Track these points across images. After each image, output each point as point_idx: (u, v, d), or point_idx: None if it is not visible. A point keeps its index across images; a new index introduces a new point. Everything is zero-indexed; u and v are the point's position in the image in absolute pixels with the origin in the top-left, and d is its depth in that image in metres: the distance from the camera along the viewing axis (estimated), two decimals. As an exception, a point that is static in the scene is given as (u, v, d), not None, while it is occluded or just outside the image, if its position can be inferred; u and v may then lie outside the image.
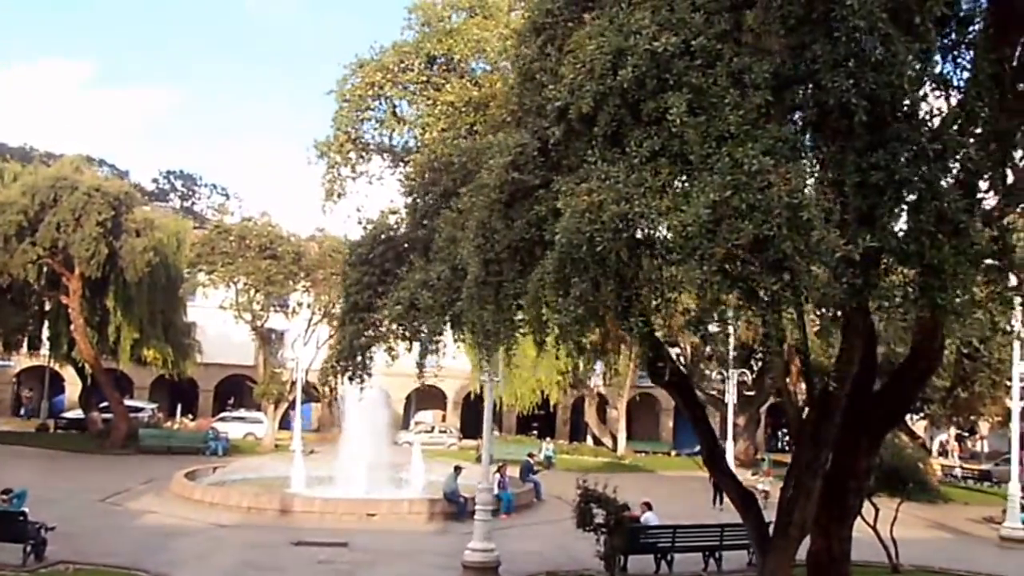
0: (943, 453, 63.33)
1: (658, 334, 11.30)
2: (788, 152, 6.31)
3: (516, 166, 7.39)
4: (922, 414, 34.47)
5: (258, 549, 18.61)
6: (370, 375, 12.01)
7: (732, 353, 38.18)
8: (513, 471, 29.40)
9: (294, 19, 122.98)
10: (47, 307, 36.83)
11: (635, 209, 6.24)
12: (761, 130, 6.29)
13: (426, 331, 8.98)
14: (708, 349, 40.53)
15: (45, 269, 33.09)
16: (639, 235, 6.52)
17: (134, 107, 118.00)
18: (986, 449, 56.21)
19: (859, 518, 18.32)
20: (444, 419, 57.45)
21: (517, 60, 8.32)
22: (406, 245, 10.33)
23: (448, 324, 8.76)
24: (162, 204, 67.83)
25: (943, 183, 6.78)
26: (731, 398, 39.31)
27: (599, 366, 50.58)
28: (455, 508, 23.93)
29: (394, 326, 9.25)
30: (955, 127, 6.81)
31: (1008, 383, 25.27)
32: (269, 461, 29.84)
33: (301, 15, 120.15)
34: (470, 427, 57.40)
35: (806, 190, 6.13)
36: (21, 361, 44.65)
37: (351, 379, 11.20)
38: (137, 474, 28.22)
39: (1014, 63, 8.03)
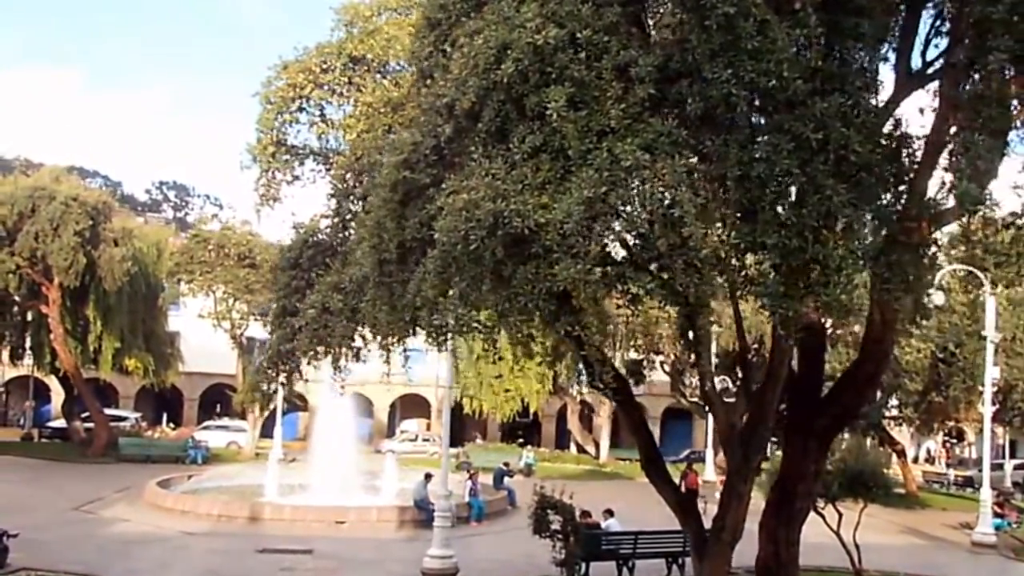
0: (930, 460, 63.36)
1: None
2: (668, 147, 6.31)
3: (408, 165, 7.41)
4: (896, 419, 34.43)
5: (222, 556, 18.61)
6: (303, 380, 11.99)
7: (715, 360, 38.21)
8: (488, 478, 29.42)
9: (286, 25, 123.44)
10: (29, 317, 36.80)
11: (510, 207, 6.25)
12: (644, 124, 6.30)
13: (337, 335, 8.99)
14: (691, 356, 40.64)
15: (25, 279, 33.07)
16: (516, 233, 6.50)
17: (125, 113, 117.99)
18: (973, 455, 56.16)
19: (823, 523, 18.65)
20: (428, 427, 57.38)
21: (412, 57, 8.34)
22: (331, 249, 10.38)
23: (359, 328, 8.78)
24: (155, 215, 67.91)
25: (828, 176, 6.76)
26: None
27: (583, 373, 50.61)
28: (424, 515, 23.88)
29: (307, 330, 9.25)
30: (841, 118, 6.76)
31: (983, 388, 25.31)
32: (245, 469, 29.84)
33: (294, 21, 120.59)
34: (455, 436, 57.42)
35: (680, 186, 6.13)
36: (7, 371, 44.61)
37: (282, 384, 11.20)
38: (114, 483, 28.15)
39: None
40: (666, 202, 5.95)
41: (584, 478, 40.34)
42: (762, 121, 6.84)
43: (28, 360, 38.88)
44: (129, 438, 37.15)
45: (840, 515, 18.64)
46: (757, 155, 6.55)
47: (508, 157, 6.67)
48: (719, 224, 6.40)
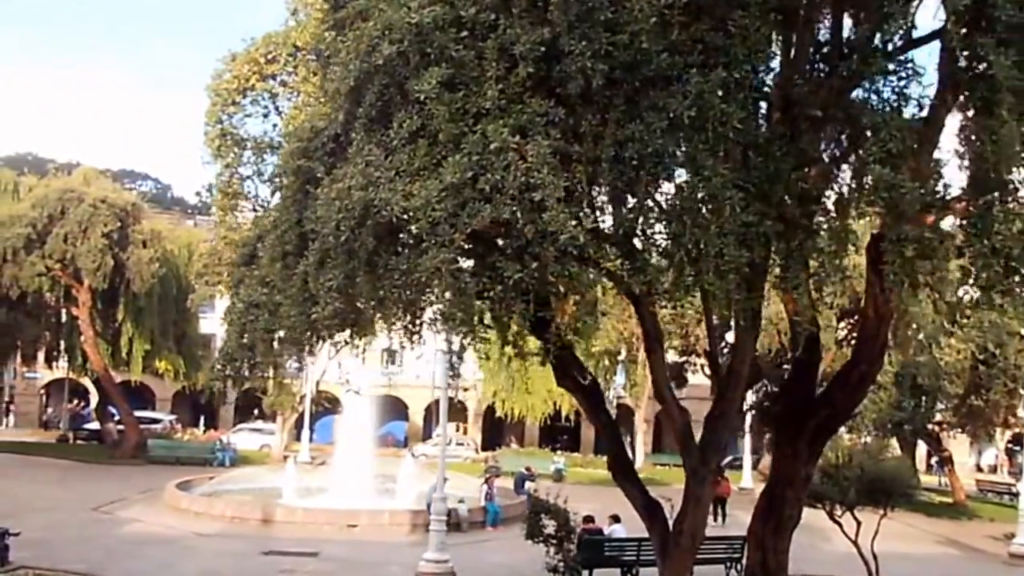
0: (993, 469, 60.84)
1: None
2: (543, 128, 5.91)
3: (306, 153, 7.13)
4: (938, 424, 33.04)
5: (226, 558, 18.60)
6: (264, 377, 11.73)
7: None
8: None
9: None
10: (63, 319, 37.60)
11: (380, 195, 5.91)
12: (521, 105, 5.91)
13: (259, 331, 8.74)
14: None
15: (56, 281, 33.78)
16: (386, 222, 6.14)
17: (175, 116, 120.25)
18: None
19: (841, 532, 17.83)
20: (465, 431, 57.23)
21: (314, 41, 8.07)
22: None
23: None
24: (205, 218, 69.06)
25: (709, 156, 6.24)
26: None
27: (620, 376, 50.03)
28: (439, 519, 23.68)
29: (236, 325, 8.99)
30: (721, 94, 6.20)
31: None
32: (266, 472, 29.90)
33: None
34: (492, 440, 57.13)
35: (543, 168, 5.71)
36: (46, 374, 45.77)
37: (237, 382, 11.02)
38: (138, 484, 28.50)
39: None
40: (525, 184, 5.54)
41: (613, 484, 39.78)
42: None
43: (64, 362, 39.81)
44: (158, 440, 37.66)
45: (859, 524, 17.83)
46: (630, 134, 6.08)
47: (386, 143, 6.35)
48: (591, 209, 5.94)
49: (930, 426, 35.74)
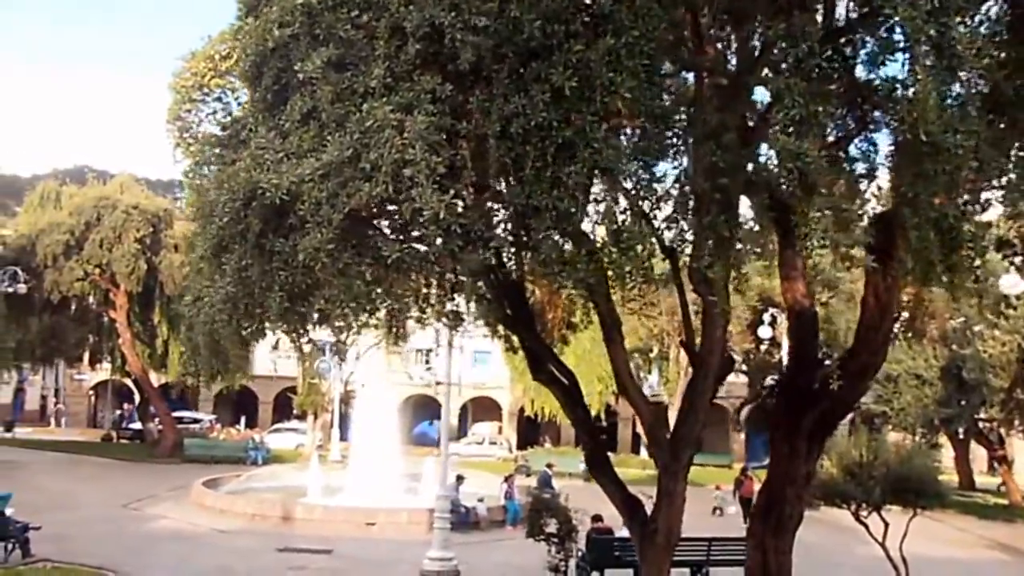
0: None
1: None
2: (429, 105, 5.63)
3: (220, 142, 6.97)
4: (988, 421, 31.68)
5: (240, 554, 18.70)
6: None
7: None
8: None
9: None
10: (104, 323, 38.62)
11: (267, 177, 5.70)
12: (411, 83, 5.65)
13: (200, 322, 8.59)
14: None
15: (96, 286, 34.81)
16: (271, 204, 5.90)
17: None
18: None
19: (868, 533, 17.08)
20: (500, 431, 57.04)
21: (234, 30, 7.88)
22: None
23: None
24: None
25: (599, 128, 5.82)
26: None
27: (654, 374, 49.35)
28: (456, 518, 23.45)
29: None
30: (611, 62, 5.74)
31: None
32: (294, 470, 30.08)
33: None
34: (527, 439, 56.84)
35: (414, 145, 5.41)
36: (96, 375, 47.08)
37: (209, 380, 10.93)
38: (172, 482, 28.99)
39: None
40: (397, 161, 5.27)
41: (646, 483, 39.17)
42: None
43: (107, 364, 40.96)
44: (195, 439, 38.31)
45: (886, 525, 17.07)
46: (515, 109, 5.74)
47: (280, 127, 6.17)
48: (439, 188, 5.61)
49: (982, 424, 34.40)
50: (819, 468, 17.61)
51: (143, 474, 31.26)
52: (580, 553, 16.40)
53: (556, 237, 6.07)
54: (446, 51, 5.76)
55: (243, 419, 51.34)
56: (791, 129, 5.73)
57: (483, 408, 56.16)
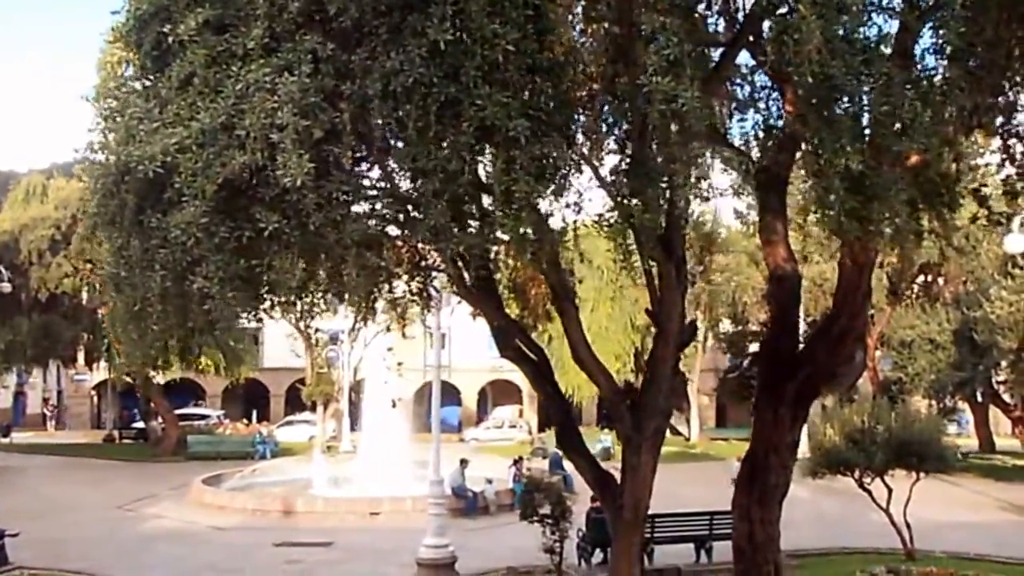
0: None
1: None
2: (309, 66, 5.17)
3: (111, 115, 6.51)
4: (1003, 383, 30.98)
5: (236, 550, 18.45)
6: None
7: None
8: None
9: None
10: (99, 319, 38.08)
11: (142, 149, 5.26)
12: (292, 43, 5.19)
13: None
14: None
15: (87, 282, 34.12)
16: (145, 177, 5.46)
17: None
18: None
19: (871, 500, 16.60)
20: (521, 414, 56.68)
21: None
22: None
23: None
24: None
25: (484, 83, 5.31)
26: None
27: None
28: (463, 503, 23.21)
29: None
30: (490, 13, 5.31)
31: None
32: (299, 464, 29.82)
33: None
34: (546, 421, 56.44)
35: (283, 108, 4.95)
36: (97, 375, 46.84)
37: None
38: (173, 480, 28.82)
39: None
40: (266, 126, 4.83)
41: (669, 459, 38.63)
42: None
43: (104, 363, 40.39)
44: (199, 436, 38.12)
45: (890, 491, 16.59)
46: (394, 66, 5.30)
47: (158, 94, 5.73)
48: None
49: (998, 385, 33.73)
50: (823, 436, 17.31)
51: (144, 474, 31.09)
52: (581, 533, 16.05)
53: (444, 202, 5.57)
54: (328, 9, 5.29)
55: (254, 413, 51.25)
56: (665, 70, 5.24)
57: (503, 392, 55.74)
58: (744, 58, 7.25)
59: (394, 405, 39.00)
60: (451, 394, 59.25)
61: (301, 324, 37.55)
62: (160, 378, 41.95)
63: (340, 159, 5.36)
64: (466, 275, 9.01)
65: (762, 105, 7.54)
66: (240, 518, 22.09)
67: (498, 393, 57.66)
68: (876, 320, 35.59)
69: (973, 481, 29.98)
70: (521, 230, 5.54)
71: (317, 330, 39.07)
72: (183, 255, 5.68)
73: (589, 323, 41.45)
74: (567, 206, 7.19)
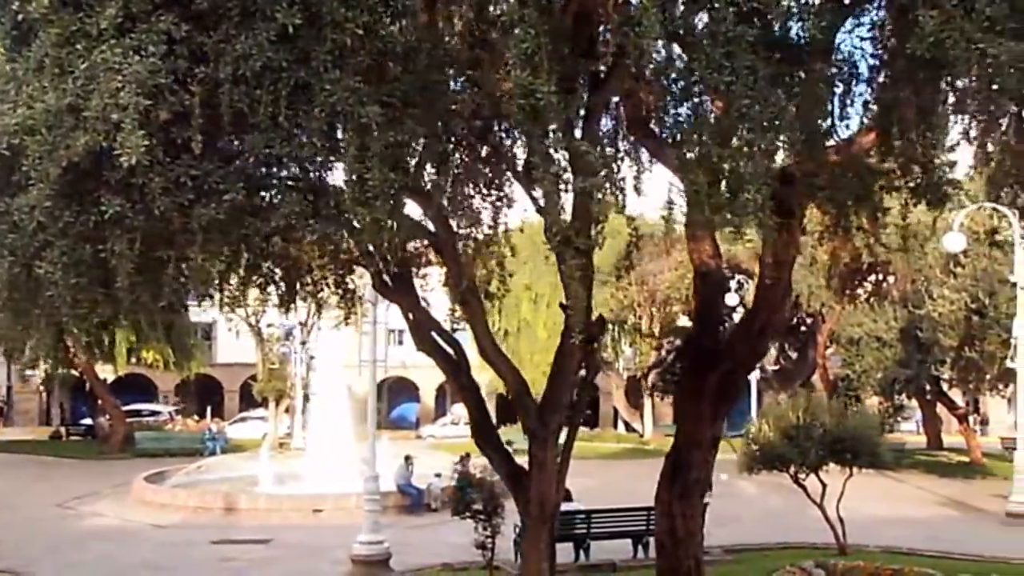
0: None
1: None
2: (163, 49, 5.07)
3: None
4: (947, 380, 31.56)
5: (171, 548, 18.15)
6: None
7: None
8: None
9: None
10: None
11: None
12: (148, 24, 5.07)
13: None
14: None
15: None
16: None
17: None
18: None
19: (806, 496, 16.79)
20: (482, 410, 56.57)
21: None
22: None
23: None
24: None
25: (336, 67, 5.23)
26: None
27: (628, 349, 49.08)
28: (408, 500, 23.10)
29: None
30: None
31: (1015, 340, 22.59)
32: (245, 461, 29.42)
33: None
34: (505, 418, 56.41)
35: (127, 89, 4.83)
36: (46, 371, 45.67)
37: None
38: (118, 477, 28.22)
39: None
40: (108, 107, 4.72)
41: (622, 457, 38.99)
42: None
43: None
44: (147, 433, 37.50)
45: (824, 486, 16.79)
46: (245, 50, 5.17)
47: (15, 73, 5.57)
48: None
49: (943, 383, 34.36)
50: (758, 432, 17.47)
51: (89, 472, 30.46)
52: (518, 529, 15.99)
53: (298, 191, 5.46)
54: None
55: (208, 410, 50.57)
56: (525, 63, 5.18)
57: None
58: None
59: (307, 399, 38.68)
60: (409, 390, 59.08)
61: (252, 319, 37.26)
62: (108, 373, 41.29)
63: (190, 143, 5.21)
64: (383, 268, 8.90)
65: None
66: (180, 516, 21.74)
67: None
68: (827, 318, 36.12)
69: (918, 477, 30.55)
70: (375, 219, 5.40)
71: (269, 324, 38.55)
72: (30, 240, 5.51)
73: (545, 319, 41.92)
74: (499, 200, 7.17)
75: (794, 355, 43.43)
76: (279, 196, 5.44)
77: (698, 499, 10.61)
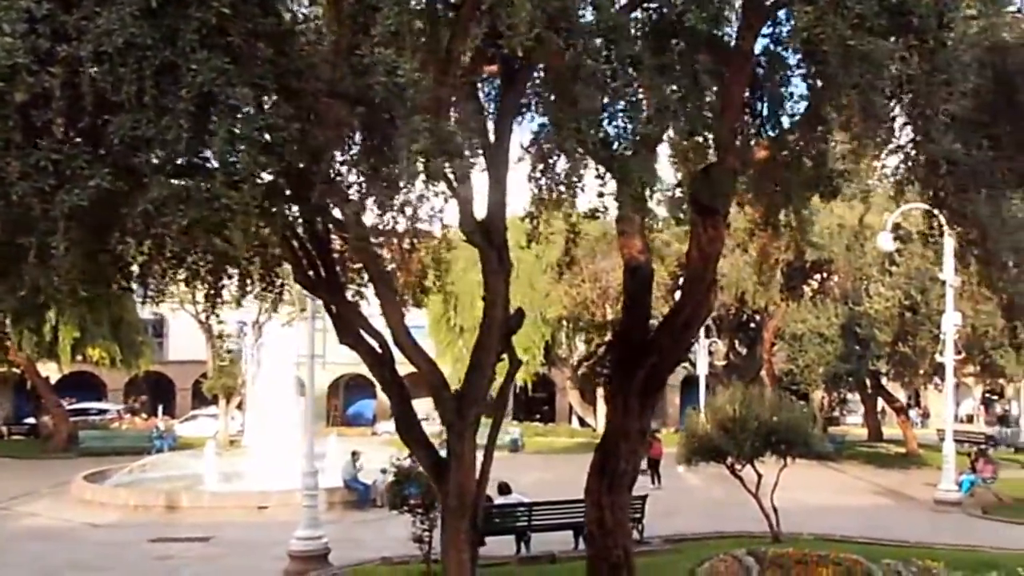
0: (970, 419, 60.78)
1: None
2: (24, 27, 5.01)
3: None
4: (882, 374, 32.42)
5: (106, 547, 17.87)
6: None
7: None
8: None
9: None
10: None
11: None
12: (6, 2, 5.02)
13: None
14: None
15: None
16: None
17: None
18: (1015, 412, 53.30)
19: (741, 485, 17.18)
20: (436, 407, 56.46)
21: None
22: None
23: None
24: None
25: (203, 47, 5.21)
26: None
27: (581, 344, 49.34)
28: (356, 495, 23.06)
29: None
30: None
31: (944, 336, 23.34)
32: (192, 459, 29.04)
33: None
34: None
35: None
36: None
37: None
38: (58, 477, 27.64)
39: None
40: None
41: (575, 451, 39.27)
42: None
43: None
44: (92, 431, 36.80)
45: (759, 476, 17.20)
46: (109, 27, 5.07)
47: None
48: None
49: (883, 377, 35.31)
50: (696, 425, 17.83)
51: (29, 471, 29.78)
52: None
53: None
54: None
55: (160, 408, 49.79)
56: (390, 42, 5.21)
57: (419, 384, 55.31)
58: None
59: (240, 403, 38.18)
60: (366, 387, 58.70)
61: (202, 315, 36.71)
62: (53, 372, 40.43)
63: (51, 126, 5.14)
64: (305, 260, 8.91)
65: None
66: (120, 515, 21.40)
67: (413, 386, 57.27)
68: (772, 315, 36.86)
69: (857, 468, 31.44)
70: (246, 204, 5.36)
71: (220, 321, 38.00)
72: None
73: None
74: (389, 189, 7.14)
75: (744, 351, 44.16)
76: (147, 181, 5.34)
77: (627, 490, 10.81)
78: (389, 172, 5.43)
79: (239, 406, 39.71)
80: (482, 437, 32.01)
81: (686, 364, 40.87)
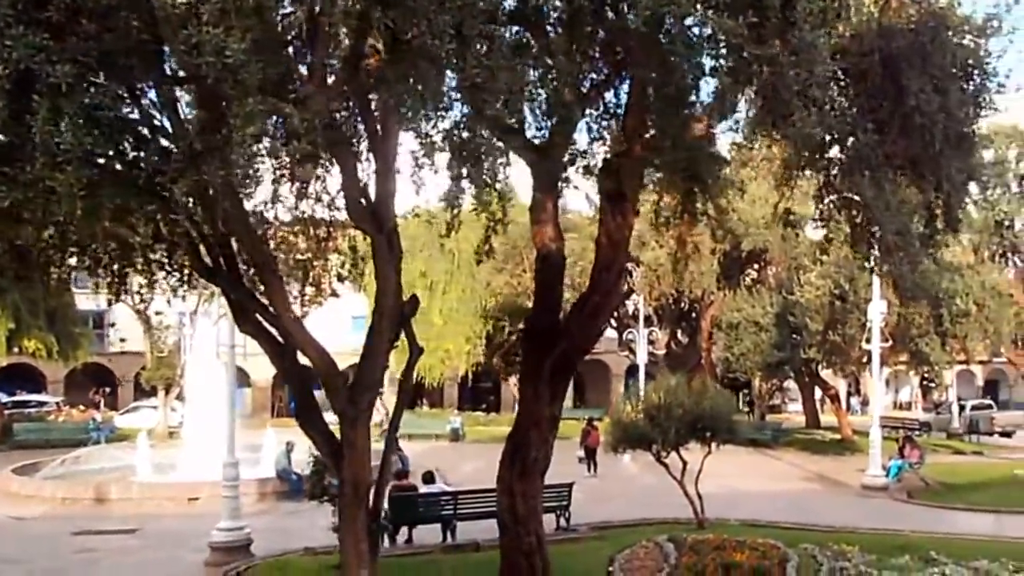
0: (908, 405, 62.46)
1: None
2: None
3: None
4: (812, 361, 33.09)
5: (28, 541, 17.50)
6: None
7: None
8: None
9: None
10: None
11: None
12: None
13: None
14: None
15: None
16: None
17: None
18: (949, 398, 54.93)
19: (667, 472, 17.46)
20: (380, 396, 56.13)
21: None
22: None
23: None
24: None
25: (15, 23, 5.16)
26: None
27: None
28: (288, 486, 22.89)
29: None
30: None
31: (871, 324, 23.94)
32: (127, 451, 28.53)
33: None
34: (408, 405, 56.01)
35: None
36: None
37: None
38: (-12, 470, 26.98)
39: None
40: None
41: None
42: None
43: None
44: (26, 424, 35.98)
45: (685, 464, 17.50)
46: None
47: None
48: None
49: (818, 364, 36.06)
50: (622, 412, 18.04)
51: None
52: (385, 512, 16.11)
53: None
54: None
55: (101, 400, 48.79)
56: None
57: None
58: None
59: (167, 394, 37.48)
60: (314, 379, 58.24)
61: (140, 305, 36.02)
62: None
63: None
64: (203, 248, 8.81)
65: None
66: (47, 507, 20.97)
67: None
68: (710, 304, 37.41)
69: (792, 454, 32.13)
70: (69, 185, 5.25)
71: (158, 312, 37.36)
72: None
73: (440, 305, 41.87)
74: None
75: (685, 340, 44.72)
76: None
77: (538, 478, 10.88)
78: (225, 153, 5.34)
79: (179, 397, 39.09)
80: (423, 427, 31.83)
81: (627, 353, 41.40)
